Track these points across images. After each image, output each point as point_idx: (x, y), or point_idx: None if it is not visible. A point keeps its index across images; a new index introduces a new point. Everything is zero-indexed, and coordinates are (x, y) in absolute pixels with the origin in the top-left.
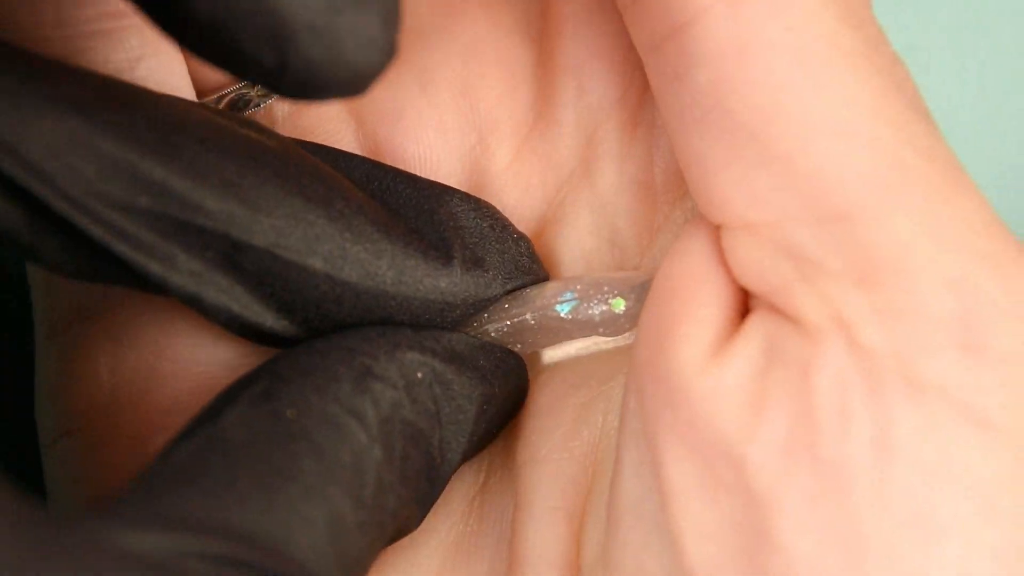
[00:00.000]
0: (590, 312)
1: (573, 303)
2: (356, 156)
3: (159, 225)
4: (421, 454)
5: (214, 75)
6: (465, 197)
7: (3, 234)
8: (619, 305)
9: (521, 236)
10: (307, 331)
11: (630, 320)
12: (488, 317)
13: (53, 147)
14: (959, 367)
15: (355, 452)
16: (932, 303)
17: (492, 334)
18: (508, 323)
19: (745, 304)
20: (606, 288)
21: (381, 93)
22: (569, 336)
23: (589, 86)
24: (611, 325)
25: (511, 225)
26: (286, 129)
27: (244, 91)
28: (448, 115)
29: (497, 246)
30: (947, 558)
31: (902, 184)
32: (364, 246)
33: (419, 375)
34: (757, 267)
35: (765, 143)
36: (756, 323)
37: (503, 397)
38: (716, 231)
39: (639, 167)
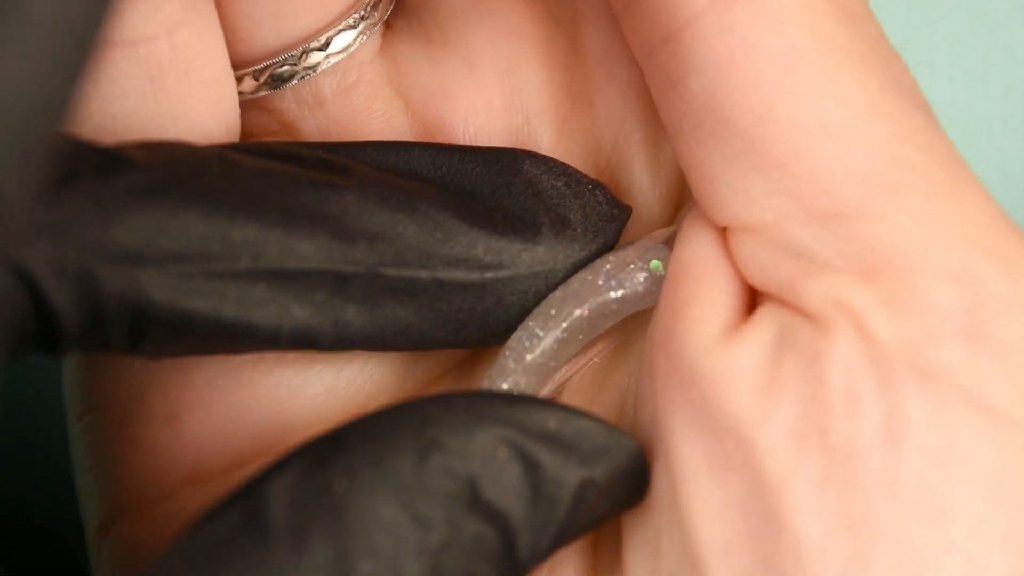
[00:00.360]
0: (635, 283)
1: (618, 278)
2: (416, 145)
3: (264, 282)
4: (498, 535)
5: (250, 48)
6: (534, 158)
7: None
8: (658, 267)
9: (596, 184)
10: (423, 333)
11: None
12: (544, 335)
13: (145, 236)
14: (965, 357)
15: (399, 536)
16: (936, 296)
17: (552, 344)
18: (564, 326)
19: (754, 295)
20: (632, 255)
21: (429, 73)
22: (619, 316)
23: (617, 72)
24: (657, 289)
25: (583, 175)
26: (335, 109)
27: (284, 65)
28: (496, 96)
29: (577, 201)
30: (955, 542)
31: (902, 180)
32: (457, 240)
33: (501, 452)
34: (760, 266)
35: (760, 149)
36: (767, 312)
37: (609, 486)
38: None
39: (671, 153)
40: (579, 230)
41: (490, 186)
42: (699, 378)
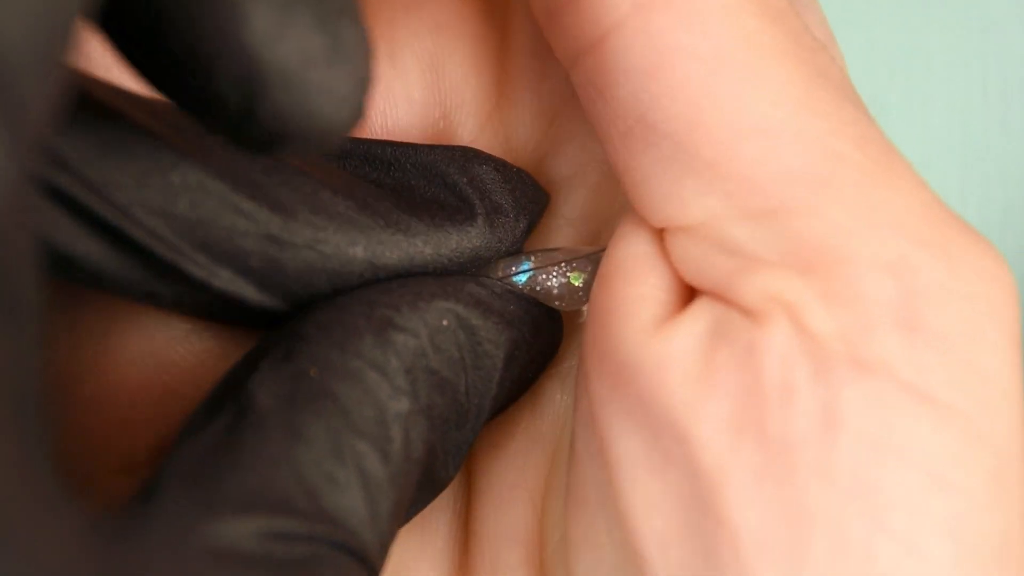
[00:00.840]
0: (548, 284)
1: (530, 273)
2: (351, 138)
3: (200, 232)
4: (448, 401)
5: None
6: (463, 149)
7: (65, 254)
8: (577, 279)
9: (520, 168)
10: None
11: (588, 293)
12: None
13: (87, 156)
14: (902, 347)
15: (379, 406)
16: (871, 287)
17: None
18: None
19: (692, 296)
20: (563, 261)
21: None
22: None
23: (550, 71)
24: (569, 298)
25: (506, 161)
26: None
27: None
28: (416, 89)
29: (507, 186)
30: (893, 530)
31: (833, 174)
32: (397, 227)
33: (443, 322)
34: (697, 265)
35: (690, 151)
36: (701, 304)
37: (534, 343)
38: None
39: (591, 156)
40: (511, 216)
41: (426, 178)
42: (633, 371)
